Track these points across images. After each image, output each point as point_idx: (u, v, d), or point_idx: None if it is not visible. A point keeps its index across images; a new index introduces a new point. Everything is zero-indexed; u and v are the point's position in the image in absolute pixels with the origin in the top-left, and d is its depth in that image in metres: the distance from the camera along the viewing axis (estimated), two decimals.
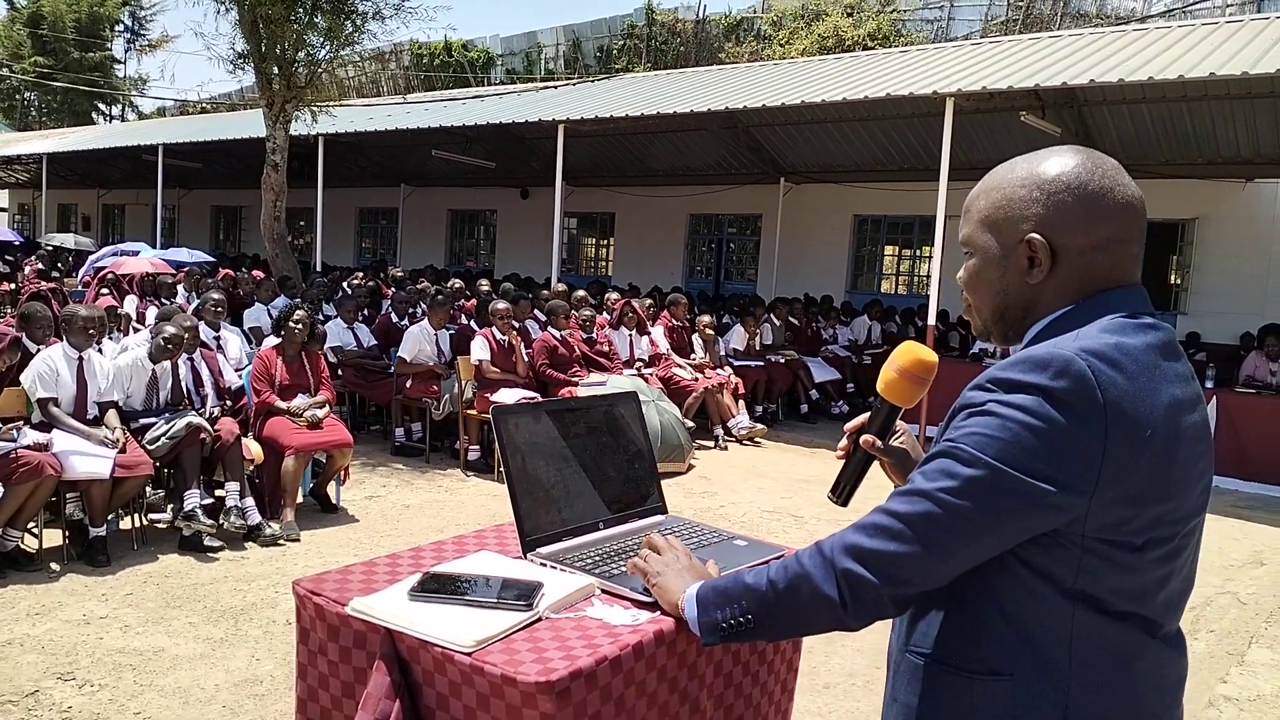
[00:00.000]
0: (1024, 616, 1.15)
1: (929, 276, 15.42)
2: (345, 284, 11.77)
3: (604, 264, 20.20)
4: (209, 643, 4.00)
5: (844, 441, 1.44)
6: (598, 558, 1.63)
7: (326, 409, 6.08)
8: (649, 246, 18.46)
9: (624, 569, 1.58)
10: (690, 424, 8.26)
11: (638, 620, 1.40)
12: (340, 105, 13.82)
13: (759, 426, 8.96)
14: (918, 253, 16.32)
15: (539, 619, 1.40)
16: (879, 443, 1.38)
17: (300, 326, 6.19)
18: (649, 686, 1.38)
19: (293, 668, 3.74)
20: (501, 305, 7.71)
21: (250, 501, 5.39)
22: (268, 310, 9.06)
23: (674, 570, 1.43)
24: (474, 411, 7.41)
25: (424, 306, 8.65)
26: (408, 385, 7.79)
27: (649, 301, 10.37)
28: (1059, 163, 1.22)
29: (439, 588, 1.42)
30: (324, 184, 14.66)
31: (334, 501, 6.19)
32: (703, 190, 16.81)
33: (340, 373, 8.03)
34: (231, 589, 4.64)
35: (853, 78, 11.57)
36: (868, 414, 1.41)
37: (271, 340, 6.67)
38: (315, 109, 11.42)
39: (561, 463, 1.72)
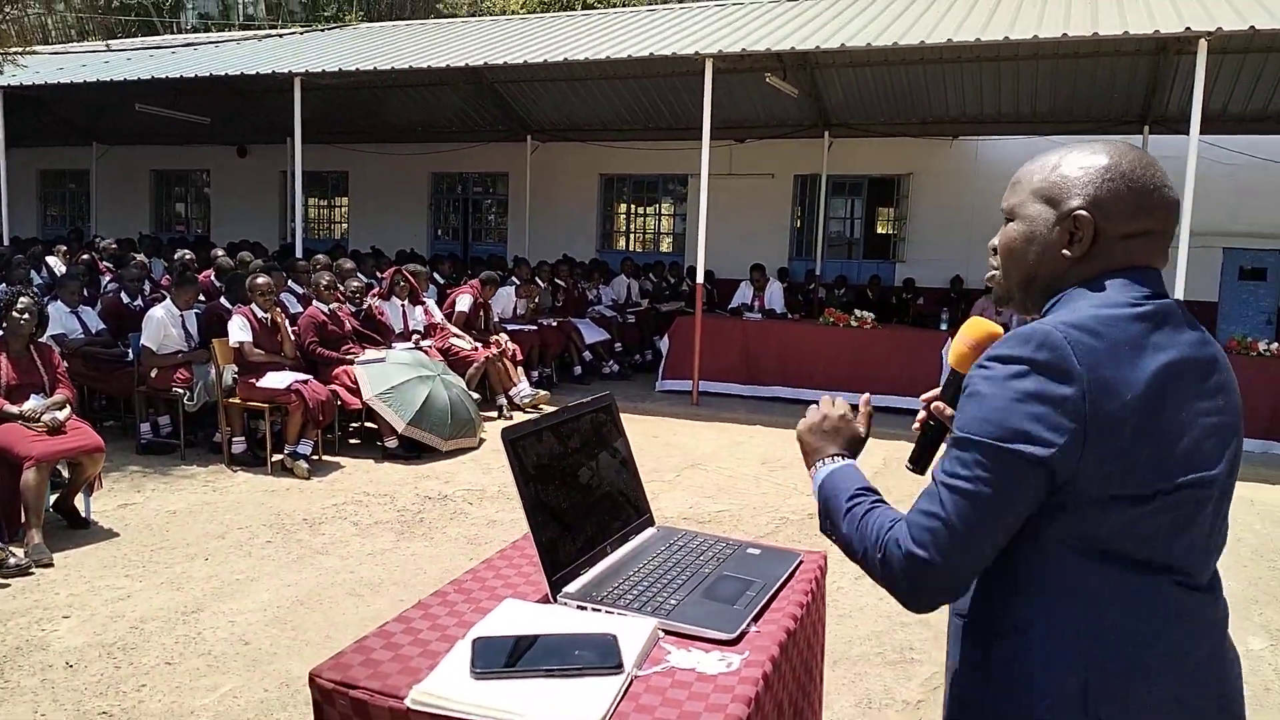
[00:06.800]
0: (1030, 575, 1.21)
1: (685, 235, 15.99)
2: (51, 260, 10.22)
3: (336, 226, 19.02)
4: None
5: (921, 413, 1.48)
6: (633, 591, 1.44)
7: (68, 410, 5.25)
8: (388, 207, 17.56)
9: (665, 600, 1.40)
10: (475, 396, 7.96)
11: (732, 665, 1.24)
12: (27, 53, 11.85)
13: (542, 393, 8.80)
14: (662, 210, 16.72)
15: (631, 680, 1.20)
16: (949, 410, 1.43)
17: (27, 316, 5.27)
18: None
19: (80, 715, 3.21)
20: (263, 279, 6.97)
21: None
22: None
23: (818, 432, 1.47)
24: (236, 400, 6.70)
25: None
26: (153, 374, 6.89)
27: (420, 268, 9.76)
28: (1115, 154, 1.28)
29: (504, 661, 1.18)
30: (5, 144, 12.56)
31: (85, 515, 5.38)
32: (445, 148, 16.16)
33: (67, 364, 6.95)
34: None
35: (606, 35, 11.50)
36: (939, 387, 1.47)
37: None
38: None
39: (567, 485, 1.50)
